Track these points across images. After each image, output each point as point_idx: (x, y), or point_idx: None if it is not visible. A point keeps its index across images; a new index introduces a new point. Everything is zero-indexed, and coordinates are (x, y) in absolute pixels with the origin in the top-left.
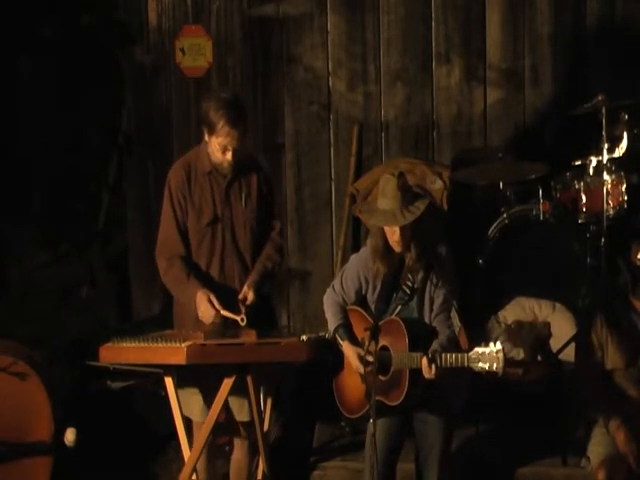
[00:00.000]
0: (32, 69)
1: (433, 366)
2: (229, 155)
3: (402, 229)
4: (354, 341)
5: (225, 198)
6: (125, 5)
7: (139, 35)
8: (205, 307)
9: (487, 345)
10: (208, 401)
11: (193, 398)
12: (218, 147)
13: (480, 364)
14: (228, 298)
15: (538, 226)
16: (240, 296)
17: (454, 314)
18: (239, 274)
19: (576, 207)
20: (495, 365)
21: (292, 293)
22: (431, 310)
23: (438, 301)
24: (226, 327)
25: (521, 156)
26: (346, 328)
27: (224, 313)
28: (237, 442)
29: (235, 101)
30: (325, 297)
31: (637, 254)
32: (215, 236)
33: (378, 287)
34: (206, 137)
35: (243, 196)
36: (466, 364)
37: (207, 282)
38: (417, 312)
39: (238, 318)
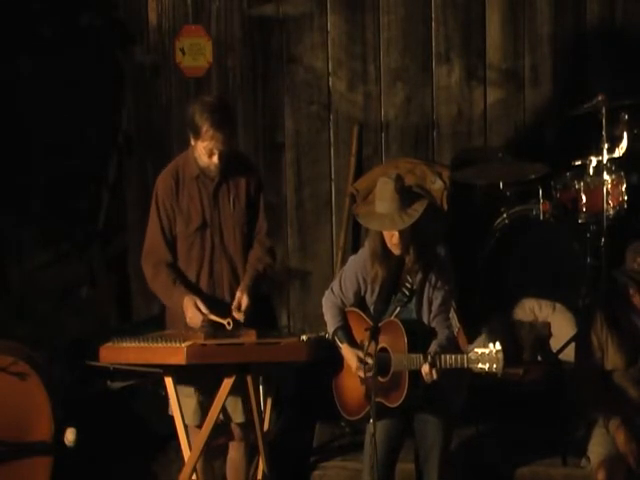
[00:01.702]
0: (32, 69)
1: (434, 371)
2: (215, 158)
3: (401, 232)
4: (353, 343)
5: (213, 202)
6: (125, 5)
7: (139, 35)
8: (192, 312)
9: (487, 346)
10: (204, 403)
11: (186, 401)
12: (204, 151)
13: (480, 365)
14: (217, 302)
15: (538, 226)
16: (235, 303)
17: (453, 314)
18: (228, 277)
19: (576, 207)
20: (495, 366)
21: (292, 293)
22: (430, 311)
23: (437, 302)
24: (215, 330)
25: (521, 156)
26: (345, 330)
27: (211, 317)
28: (233, 444)
29: (219, 104)
30: (324, 299)
31: (635, 260)
32: (204, 241)
33: (377, 289)
34: (192, 141)
35: (231, 198)
36: (465, 365)
37: (195, 287)
38: (416, 313)
39: (224, 322)
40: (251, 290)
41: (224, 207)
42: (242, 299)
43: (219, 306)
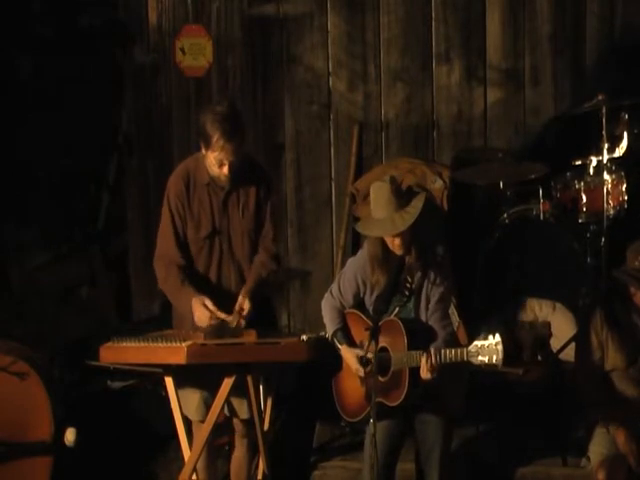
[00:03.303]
0: (32, 69)
1: (433, 364)
2: (225, 169)
3: (402, 233)
4: (352, 345)
5: (223, 209)
6: (125, 5)
7: (139, 35)
8: (200, 312)
9: (486, 338)
10: (209, 399)
11: (191, 397)
12: (214, 161)
13: (480, 357)
14: (225, 306)
15: (538, 226)
16: (236, 307)
17: (453, 310)
18: (236, 283)
19: (576, 207)
20: (495, 357)
21: (292, 293)
22: (427, 309)
23: (434, 299)
24: (224, 329)
25: (521, 156)
26: (344, 332)
27: (219, 315)
28: (237, 441)
29: (231, 114)
30: (323, 302)
31: (636, 258)
32: (213, 247)
33: (377, 290)
34: (203, 151)
35: (240, 205)
36: (465, 358)
37: (204, 289)
38: (414, 311)
39: (230, 318)
40: (252, 294)
41: (233, 215)
42: (244, 303)
43: (226, 311)
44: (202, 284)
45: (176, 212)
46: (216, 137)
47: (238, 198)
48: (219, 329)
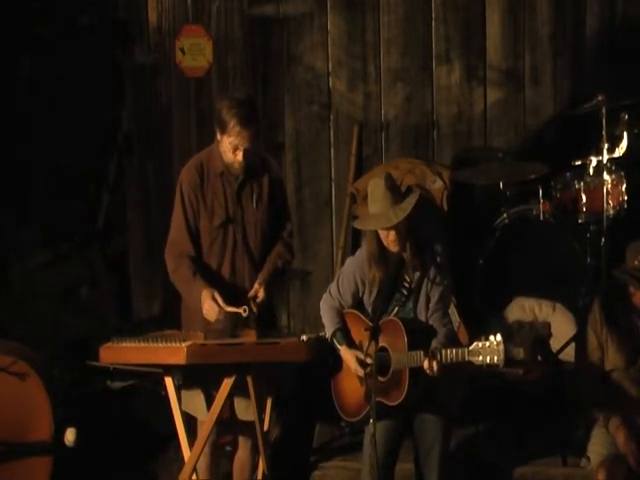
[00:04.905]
0: (32, 69)
1: (434, 362)
2: (240, 155)
3: (397, 228)
4: (352, 345)
5: (237, 199)
6: (125, 5)
7: (139, 35)
8: (209, 305)
9: (487, 339)
10: (211, 400)
11: (199, 397)
12: (229, 147)
13: (480, 357)
14: (238, 298)
15: (538, 226)
16: (251, 293)
17: (453, 310)
18: (249, 274)
19: (576, 207)
20: (496, 358)
21: (292, 293)
22: (427, 308)
23: (434, 299)
24: (233, 324)
25: (521, 156)
26: (343, 332)
27: (228, 309)
28: (241, 441)
29: (247, 101)
30: (322, 302)
31: (635, 258)
32: (227, 237)
33: (375, 290)
34: (218, 136)
35: (254, 197)
36: (466, 358)
37: (215, 281)
38: (413, 311)
39: (240, 310)
40: (268, 284)
41: (247, 205)
42: (259, 291)
43: (240, 302)
44: (215, 275)
45: (188, 202)
46: (232, 123)
47: (252, 189)
48: (226, 327)
